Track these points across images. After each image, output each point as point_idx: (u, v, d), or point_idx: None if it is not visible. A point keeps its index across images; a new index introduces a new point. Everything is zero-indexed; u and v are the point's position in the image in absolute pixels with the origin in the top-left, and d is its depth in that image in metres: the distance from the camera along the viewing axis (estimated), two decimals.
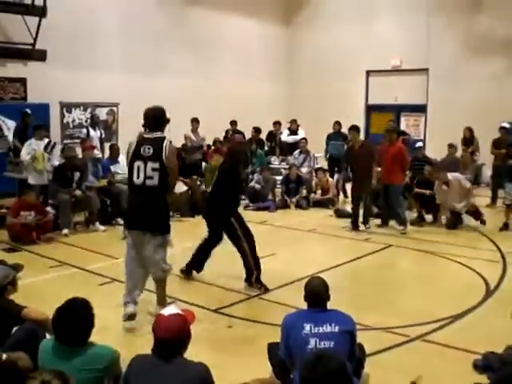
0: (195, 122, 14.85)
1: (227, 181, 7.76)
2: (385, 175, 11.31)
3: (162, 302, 6.38)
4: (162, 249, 6.29)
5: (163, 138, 6.18)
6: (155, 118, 6.41)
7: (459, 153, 14.70)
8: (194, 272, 8.09)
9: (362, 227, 11.48)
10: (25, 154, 11.31)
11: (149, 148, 6.07)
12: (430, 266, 9.17)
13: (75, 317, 3.82)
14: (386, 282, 8.27)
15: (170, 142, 6.26)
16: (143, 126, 6.47)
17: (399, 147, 11.46)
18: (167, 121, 6.59)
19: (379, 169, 11.50)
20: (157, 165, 6.00)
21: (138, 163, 6.06)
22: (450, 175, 11.50)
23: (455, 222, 11.57)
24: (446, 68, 18.08)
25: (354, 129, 11.64)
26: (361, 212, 11.57)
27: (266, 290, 7.54)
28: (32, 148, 11.33)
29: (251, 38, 20.13)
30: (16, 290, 5.10)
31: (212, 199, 7.92)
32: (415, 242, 10.40)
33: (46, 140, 11.78)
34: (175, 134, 14.31)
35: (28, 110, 12.67)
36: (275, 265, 8.71)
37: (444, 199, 11.59)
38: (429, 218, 12.22)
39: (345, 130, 14.32)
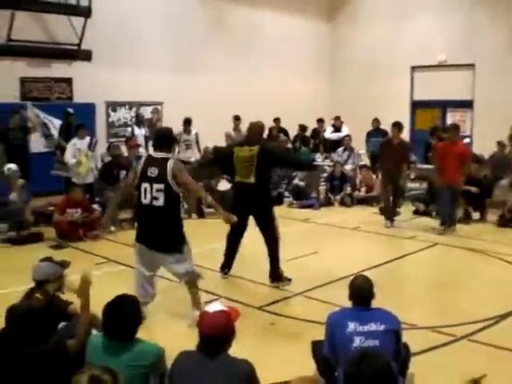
0: (237, 119, 14.91)
1: (267, 168, 7.79)
2: (448, 175, 10.64)
3: (197, 305, 6.43)
4: (185, 261, 6.38)
5: (168, 159, 6.24)
6: (162, 138, 6.53)
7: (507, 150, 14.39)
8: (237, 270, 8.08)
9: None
10: (69, 155, 11.55)
11: (154, 169, 6.17)
12: (477, 265, 9.01)
13: (123, 312, 3.85)
14: (432, 280, 8.18)
15: (176, 160, 6.46)
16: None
17: (464, 147, 11.05)
18: (174, 141, 6.97)
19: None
20: (161, 186, 6.11)
21: (144, 185, 6.18)
22: None
23: (510, 220, 11.40)
24: (492, 63, 17.74)
25: (397, 125, 11.56)
26: None
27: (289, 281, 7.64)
28: (76, 148, 11.57)
29: (294, 36, 20.09)
30: (62, 287, 5.16)
31: (256, 190, 7.72)
32: (462, 240, 10.23)
33: (88, 138, 11.98)
34: (216, 132, 14.49)
35: (70, 110, 12.88)
36: (319, 263, 8.70)
37: (506, 197, 11.51)
38: (475, 215, 12.03)
39: (385, 126, 14.31)
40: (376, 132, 15.46)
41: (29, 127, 12.71)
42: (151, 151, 6.60)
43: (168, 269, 6.46)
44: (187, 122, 13.81)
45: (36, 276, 4.99)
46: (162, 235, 6.24)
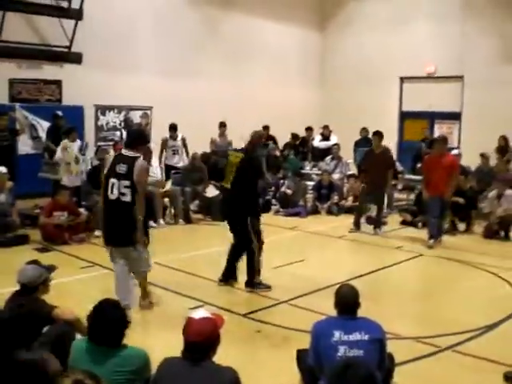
0: (222, 126, 14.92)
1: (247, 176, 7.69)
2: (436, 187, 10.57)
3: (145, 295, 6.91)
4: (143, 255, 6.77)
5: (137, 157, 6.49)
6: (135, 138, 6.84)
7: (493, 162, 14.49)
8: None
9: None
10: (60, 155, 11.52)
11: (123, 166, 6.41)
12: (463, 276, 9.05)
13: (108, 317, 3.84)
14: (417, 291, 8.21)
15: (144, 161, 6.66)
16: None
17: (452, 159, 10.92)
18: (146, 142, 7.36)
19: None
20: (128, 183, 6.37)
21: (112, 180, 6.43)
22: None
23: (496, 232, 11.48)
24: (481, 75, 17.82)
25: (378, 134, 11.74)
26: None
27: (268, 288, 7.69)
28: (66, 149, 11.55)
29: (285, 44, 20.15)
30: (48, 290, 5.14)
31: (232, 197, 7.81)
32: (448, 251, 10.25)
33: (79, 142, 11.95)
34: (205, 138, 14.49)
35: (59, 112, 12.83)
36: (305, 271, 8.71)
37: (494, 209, 11.57)
38: (461, 226, 12.10)
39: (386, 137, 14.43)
40: (364, 141, 15.51)
41: (17, 129, 12.64)
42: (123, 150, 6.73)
43: (130, 261, 6.71)
44: (173, 128, 13.81)
45: (21, 279, 4.98)
46: (125, 230, 6.48)
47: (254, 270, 7.68)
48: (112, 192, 6.43)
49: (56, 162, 11.93)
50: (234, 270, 7.97)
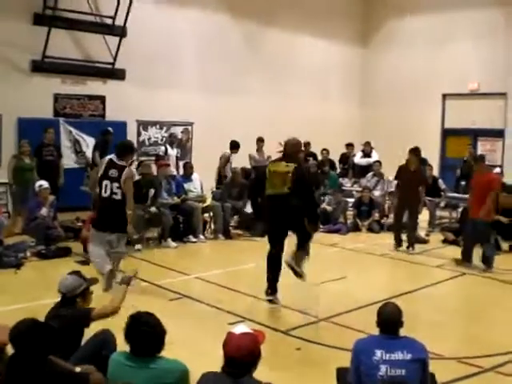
0: (260, 141, 14.87)
1: (306, 185, 7.60)
2: (473, 208, 10.36)
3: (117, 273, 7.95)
4: (124, 239, 8.31)
5: (125, 167, 8.01)
6: (124, 150, 8.24)
7: None
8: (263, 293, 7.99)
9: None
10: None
11: (115, 171, 7.95)
12: (506, 297, 8.84)
13: (146, 327, 3.84)
14: (459, 310, 8.05)
15: (131, 169, 8.36)
16: None
17: (491, 178, 10.60)
18: (133, 153, 8.69)
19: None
20: (118, 185, 7.91)
21: (105, 182, 7.96)
22: None
23: None
24: None
25: (414, 151, 11.57)
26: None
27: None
28: None
29: (326, 59, 20.17)
30: (87, 302, 5.13)
31: (292, 198, 7.52)
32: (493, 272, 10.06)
33: None
34: (245, 154, 14.49)
35: (110, 128, 12.99)
36: (345, 288, 8.62)
37: None
38: (505, 246, 11.87)
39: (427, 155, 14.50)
40: None
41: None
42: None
43: (114, 245, 8.07)
44: (237, 146, 13.96)
45: (60, 287, 5.03)
46: (116, 220, 7.94)
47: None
48: (105, 191, 7.94)
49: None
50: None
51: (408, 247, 11.58)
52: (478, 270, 10.09)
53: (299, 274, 7.58)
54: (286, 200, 7.46)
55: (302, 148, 9.58)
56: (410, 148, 11.75)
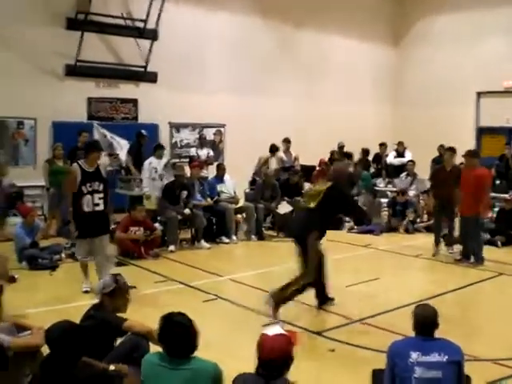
0: (286, 142, 14.80)
1: (333, 205, 7.42)
2: (462, 206, 10.41)
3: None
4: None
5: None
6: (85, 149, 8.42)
7: None
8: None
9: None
10: (146, 173, 11.92)
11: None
12: None
13: (180, 328, 3.85)
14: (496, 311, 7.91)
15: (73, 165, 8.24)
16: None
17: (483, 173, 10.43)
18: (93, 151, 8.17)
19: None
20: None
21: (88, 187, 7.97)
22: None
23: None
24: None
25: (451, 150, 11.39)
26: None
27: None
28: (153, 167, 11.84)
29: (358, 60, 20.06)
30: (114, 303, 5.01)
31: (309, 219, 7.49)
32: None
33: (165, 159, 12.22)
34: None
35: (143, 131, 13.09)
36: (379, 289, 8.55)
37: None
38: None
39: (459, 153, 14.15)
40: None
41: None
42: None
43: (102, 246, 8.14)
44: (276, 150, 14.19)
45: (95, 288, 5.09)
46: (104, 223, 8.15)
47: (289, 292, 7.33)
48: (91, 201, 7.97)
49: (132, 178, 12.26)
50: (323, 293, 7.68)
51: (446, 245, 11.42)
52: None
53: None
54: (308, 213, 7.47)
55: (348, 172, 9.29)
56: (446, 147, 11.59)
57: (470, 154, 10.58)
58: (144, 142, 12.93)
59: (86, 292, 7.97)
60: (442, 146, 15.44)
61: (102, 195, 8.02)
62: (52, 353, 3.92)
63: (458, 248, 11.04)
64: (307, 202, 7.58)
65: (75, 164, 8.12)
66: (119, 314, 4.96)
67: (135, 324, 4.85)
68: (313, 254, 7.18)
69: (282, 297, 7.15)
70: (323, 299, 7.65)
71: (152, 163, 11.97)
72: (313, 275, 7.25)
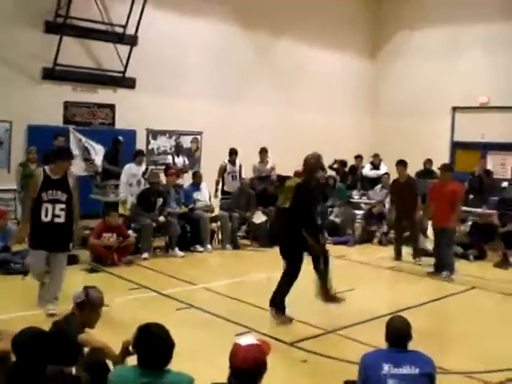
0: (263, 151, 14.72)
1: (303, 201, 7.50)
2: (438, 217, 10.48)
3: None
4: None
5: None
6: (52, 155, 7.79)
7: None
8: None
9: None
10: (124, 178, 11.83)
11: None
12: None
13: (156, 339, 3.81)
14: (468, 324, 7.97)
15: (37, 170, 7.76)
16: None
17: (456, 187, 10.58)
18: (58, 158, 7.46)
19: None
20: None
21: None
22: None
23: None
24: None
25: (402, 163, 11.86)
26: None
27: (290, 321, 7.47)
28: (132, 172, 11.78)
29: (335, 71, 20.21)
30: (84, 316, 4.87)
31: (288, 223, 7.61)
32: (500, 285, 9.98)
33: (144, 166, 12.15)
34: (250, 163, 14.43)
35: (120, 138, 13.00)
36: (353, 301, 8.53)
37: None
38: None
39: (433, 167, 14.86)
40: (427, 173, 15.24)
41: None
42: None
43: (56, 265, 7.40)
44: (234, 153, 13.57)
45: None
46: (62, 238, 7.42)
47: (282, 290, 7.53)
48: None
49: (107, 184, 12.19)
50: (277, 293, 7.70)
51: (413, 257, 11.65)
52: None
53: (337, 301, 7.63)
54: (285, 215, 7.57)
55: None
56: (397, 161, 11.92)
57: (444, 168, 10.83)
58: (120, 147, 12.85)
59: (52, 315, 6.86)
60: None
61: (63, 206, 7.25)
62: (18, 359, 3.85)
63: (429, 260, 11.13)
64: (282, 201, 7.62)
65: (40, 168, 7.60)
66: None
67: (90, 339, 4.67)
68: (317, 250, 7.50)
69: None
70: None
71: (131, 168, 11.92)
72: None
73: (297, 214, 7.43)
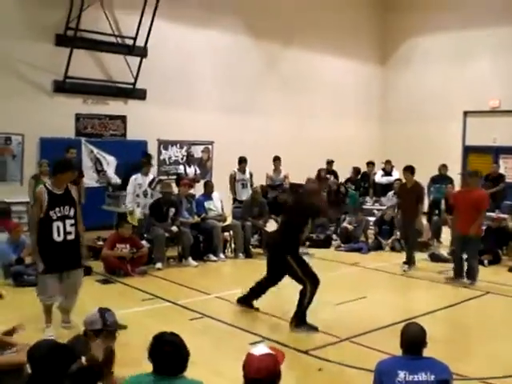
0: (277, 160, 14.76)
1: (290, 218, 7.89)
2: (463, 225, 10.29)
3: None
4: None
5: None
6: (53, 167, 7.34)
7: None
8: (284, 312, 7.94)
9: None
10: (131, 189, 11.78)
11: None
12: None
13: (171, 345, 3.84)
14: (483, 330, 7.92)
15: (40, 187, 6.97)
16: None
17: (482, 195, 10.51)
18: (63, 170, 6.98)
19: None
20: None
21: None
22: None
23: None
24: None
25: (408, 169, 11.64)
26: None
27: (315, 330, 7.43)
28: (137, 183, 11.74)
29: (345, 78, 20.21)
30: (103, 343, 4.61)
31: (276, 236, 8.08)
32: None
33: (151, 176, 12.12)
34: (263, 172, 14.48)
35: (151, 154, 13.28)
36: (366, 308, 8.54)
37: None
38: None
39: (449, 172, 14.92)
40: (442, 178, 15.16)
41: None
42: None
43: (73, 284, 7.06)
44: (244, 161, 13.69)
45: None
46: (77, 255, 7.06)
47: (301, 308, 7.53)
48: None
49: (119, 195, 12.20)
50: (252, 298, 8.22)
51: (404, 263, 11.52)
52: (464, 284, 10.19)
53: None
54: (279, 231, 8.19)
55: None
56: (404, 166, 11.82)
57: (472, 175, 10.80)
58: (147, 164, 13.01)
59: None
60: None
61: (73, 222, 6.87)
62: (34, 372, 3.84)
63: (443, 266, 11.06)
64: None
65: (41, 186, 6.94)
66: None
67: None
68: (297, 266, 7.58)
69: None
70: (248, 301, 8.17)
71: (137, 179, 11.88)
72: (313, 279, 7.49)
73: (283, 233, 7.91)
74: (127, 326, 4.90)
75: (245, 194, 13.47)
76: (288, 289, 7.97)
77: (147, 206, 11.69)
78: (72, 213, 6.84)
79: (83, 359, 3.96)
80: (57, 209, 6.71)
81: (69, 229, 6.79)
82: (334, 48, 19.61)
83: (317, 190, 8.15)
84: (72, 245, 6.87)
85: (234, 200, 13.69)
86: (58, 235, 6.72)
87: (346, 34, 19.93)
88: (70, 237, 6.82)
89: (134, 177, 11.91)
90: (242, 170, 13.69)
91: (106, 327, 4.66)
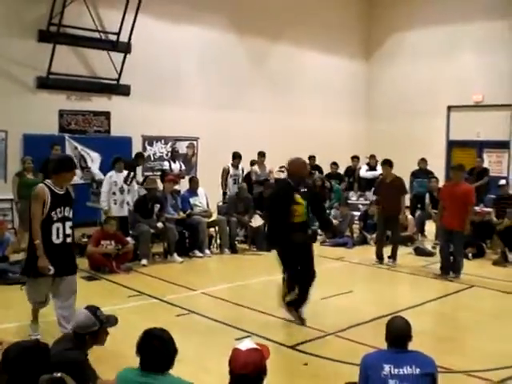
0: (261, 155, 14.75)
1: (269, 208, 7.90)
2: (448, 219, 10.34)
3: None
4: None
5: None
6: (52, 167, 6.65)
7: None
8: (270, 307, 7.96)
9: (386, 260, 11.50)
10: (106, 187, 11.65)
11: None
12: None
13: (159, 341, 3.86)
14: (468, 323, 7.99)
15: (40, 185, 6.38)
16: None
17: (468, 189, 10.54)
18: (62, 169, 6.53)
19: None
20: None
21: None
22: None
23: None
24: None
25: (387, 163, 11.67)
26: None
27: (302, 322, 7.49)
28: (112, 181, 11.64)
29: (330, 74, 20.25)
30: (99, 342, 4.63)
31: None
32: (499, 283, 9.98)
33: (126, 172, 12.02)
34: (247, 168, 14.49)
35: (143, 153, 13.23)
36: (352, 302, 8.57)
37: None
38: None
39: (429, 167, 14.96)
40: (422, 172, 15.23)
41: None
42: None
43: (68, 291, 6.52)
44: (238, 156, 13.78)
45: (73, 323, 4.71)
46: (73, 259, 6.74)
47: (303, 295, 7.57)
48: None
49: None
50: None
51: (389, 258, 11.53)
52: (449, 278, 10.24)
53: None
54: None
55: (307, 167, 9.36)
56: (382, 160, 11.85)
57: (456, 168, 10.74)
58: (142, 163, 12.95)
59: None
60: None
61: (71, 223, 6.53)
62: (9, 375, 3.67)
63: (427, 260, 11.12)
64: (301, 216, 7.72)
65: (41, 185, 6.37)
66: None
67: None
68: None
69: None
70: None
71: (112, 177, 11.71)
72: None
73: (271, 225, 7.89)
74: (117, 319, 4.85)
75: (235, 190, 13.50)
76: (274, 286, 7.97)
77: (125, 201, 11.63)
78: (71, 214, 6.50)
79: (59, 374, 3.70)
80: (58, 209, 6.32)
81: (68, 231, 6.43)
82: (319, 44, 19.63)
83: (303, 163, 8.04)
84: (69, 248, 6.56)
85: (224, 194, 13.69)
86: (57, 237, 6.32)
87: (331, 30, 19.95)
88: (69, 239, 6.47)
89: (108, 174, 11.77)
90: (235, 165, 13.72)
91: (105, 324, 4.60)
